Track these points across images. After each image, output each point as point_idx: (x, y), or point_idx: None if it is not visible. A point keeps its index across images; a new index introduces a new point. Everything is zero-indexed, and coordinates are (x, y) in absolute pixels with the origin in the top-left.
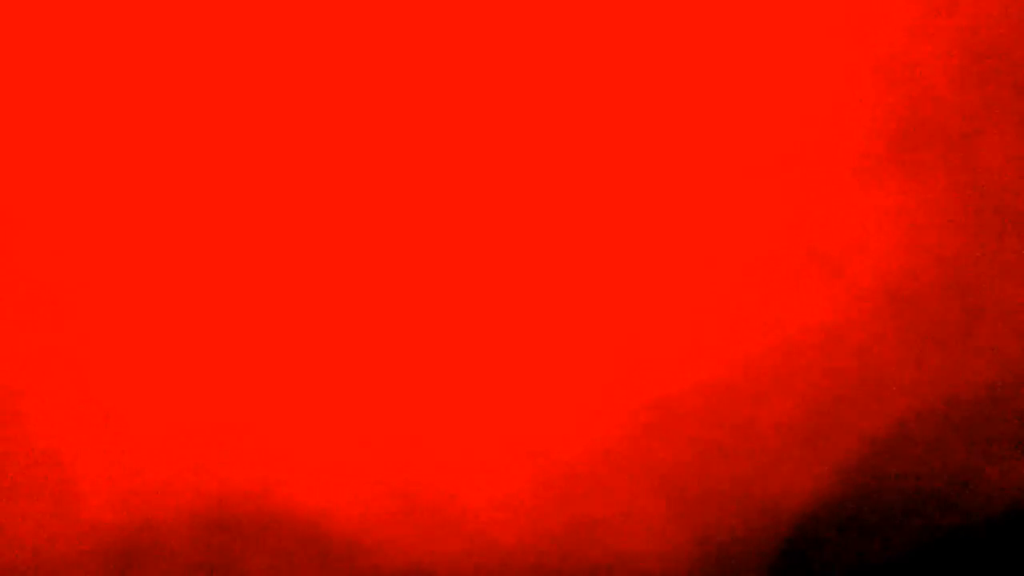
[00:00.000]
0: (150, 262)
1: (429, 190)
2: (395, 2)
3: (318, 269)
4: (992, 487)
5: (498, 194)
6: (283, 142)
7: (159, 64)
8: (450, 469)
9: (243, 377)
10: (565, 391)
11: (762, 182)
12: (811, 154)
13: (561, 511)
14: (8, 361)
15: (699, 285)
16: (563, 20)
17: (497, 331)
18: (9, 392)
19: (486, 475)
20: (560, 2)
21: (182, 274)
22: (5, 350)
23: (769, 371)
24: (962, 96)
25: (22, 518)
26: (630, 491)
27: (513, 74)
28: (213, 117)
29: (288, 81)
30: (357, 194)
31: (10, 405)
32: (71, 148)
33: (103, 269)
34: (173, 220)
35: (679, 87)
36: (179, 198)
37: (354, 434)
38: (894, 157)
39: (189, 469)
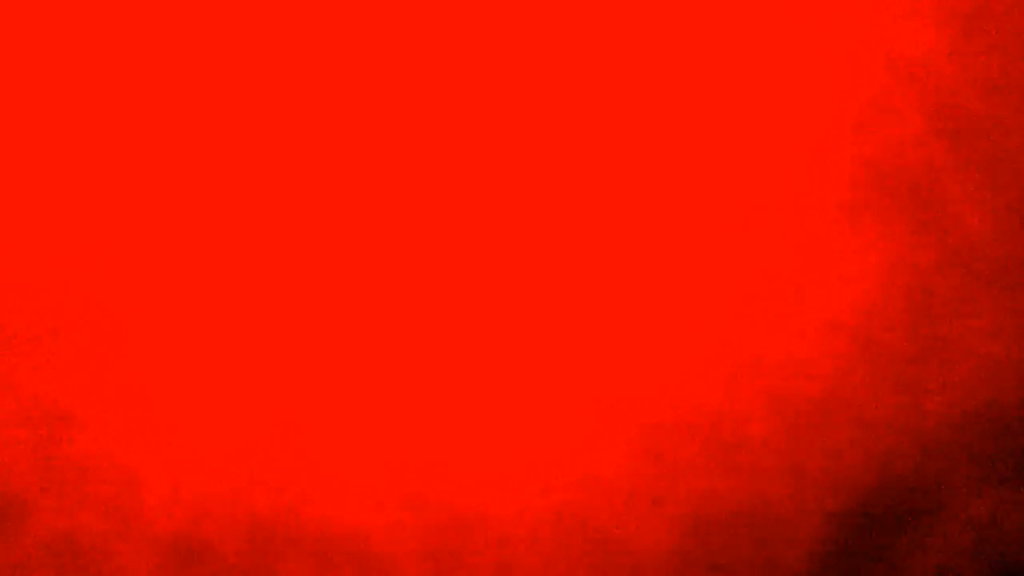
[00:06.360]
0: (204, 287)
1: (434, 220)
2: (397, 3)
3: (348, 296)
4: (965, 514)
5: (505, 214)
6: (290, 152)
7: (161, 66)
8: (478, 487)
9: (287, 400)
10: (564, 419)
11: (741, 225)
12: (787, 199)
13: (582, 530)
14: (73, 380)
15: (680, 318)
16: (547, 44)
17: (509, 359)
18: (73, 406)
19: (513, 493)
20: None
21: (238, 304)
22: (71, 368)
23: (751, 400)
24: (929, 147)
25: (89, 524)
26: (639, 513)
27: (492, 93)
28: (224, 119)
29: (290, 83)
30: (363, 210)
31: (75, 420)
32: (125, 184)
33: (160, 292)
34: (216, 246)
35: (658, 129)
36: (212, 223)
37: (386, 454)
38: (865, 201)
39: (238, 484)
